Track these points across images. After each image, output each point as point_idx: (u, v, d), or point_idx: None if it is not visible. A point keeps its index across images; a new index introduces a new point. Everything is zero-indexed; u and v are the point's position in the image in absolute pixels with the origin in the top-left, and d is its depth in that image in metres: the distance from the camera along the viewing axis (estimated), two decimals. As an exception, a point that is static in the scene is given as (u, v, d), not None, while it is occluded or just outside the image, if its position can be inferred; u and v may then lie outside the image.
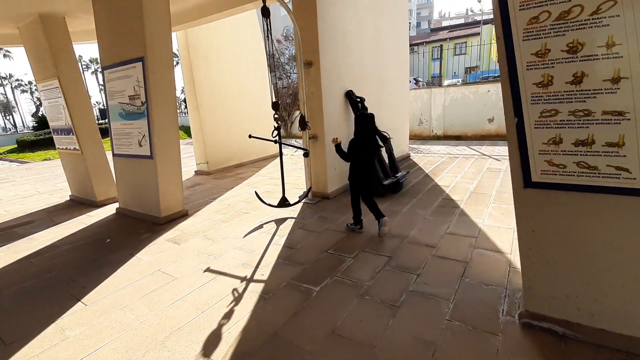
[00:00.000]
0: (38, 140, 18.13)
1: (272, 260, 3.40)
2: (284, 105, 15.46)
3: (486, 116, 11.34)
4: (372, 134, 3.75)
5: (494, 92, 11.12)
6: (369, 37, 6.34)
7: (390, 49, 7.22)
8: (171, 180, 4.71)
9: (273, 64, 4.58)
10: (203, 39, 7.68)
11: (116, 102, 4.74)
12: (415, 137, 12.09)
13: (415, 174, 6.60)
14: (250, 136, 4.78)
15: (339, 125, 5.48)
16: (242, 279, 3.06)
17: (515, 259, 3.07)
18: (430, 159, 7.98)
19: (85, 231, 4.70)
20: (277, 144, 4.53)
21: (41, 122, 23.40)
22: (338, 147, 3.86)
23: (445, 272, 2.95)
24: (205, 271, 3.25)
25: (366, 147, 3.76)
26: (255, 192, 4.84)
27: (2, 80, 56.01)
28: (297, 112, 15.45)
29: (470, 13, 71.78)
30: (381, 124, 6.58)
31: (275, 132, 4.49)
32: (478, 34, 34.09)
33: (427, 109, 12.23)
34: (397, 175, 5.59)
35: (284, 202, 4.71)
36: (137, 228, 4.63)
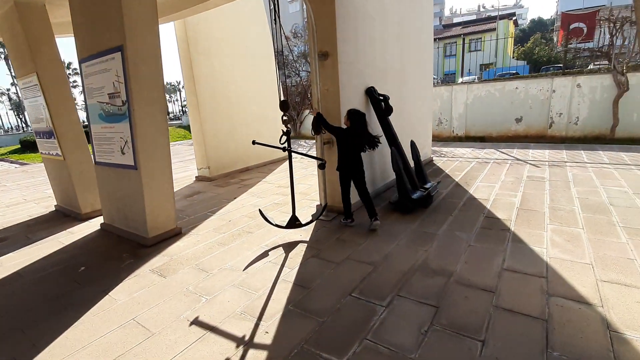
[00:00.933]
0: (41, 140, 17.66)
1: (279, 307, 2.61)
2: (292, 105, 14.69)
3: (513, 115, 10.40)
4: (363, 135, 3.81)
5: (523, 90, 10.18)
6: (393, 25, 5.49)
7: (414, 39, 6.36)
8: (160, 194, 3.95)
9: (283, 60, 3.78)
10: (203, 32, 6.92)
11: (95, 101, 4.00)
12: (434, 138, 11.16)
13: (444, 183, 5.74)
14: (254, 142, 3.99)
15: (359, 128, 4.67)
16: (239, 340, 2.27)
17: (613, 316, 2.22)
18: (458, 165, 7.10)
19: (60, 254, 3.98)
20: (287, 152, 3.74)
21: (47, 122, 23.08)
22: (319, 115, 3.84)
23: (519, 336, 2.12)
24: (191, 324, 2.47)
25: (359, 138, 3.80)
26: (260, 211, 4.05)
27: (15, 79, 56.81)
28: (307, 112, 14.65)
29: (482, 9, 70.05)
30: (402, 125, 5.73)
31: (284, 138, 3.71)
32: (494, 29, 32.78)
33: (447, 108, 11.32)
34: (426, 186, 4.75)
35: (294, 222, 3.92)
36: (119, 251, 3.88)
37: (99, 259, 3.73)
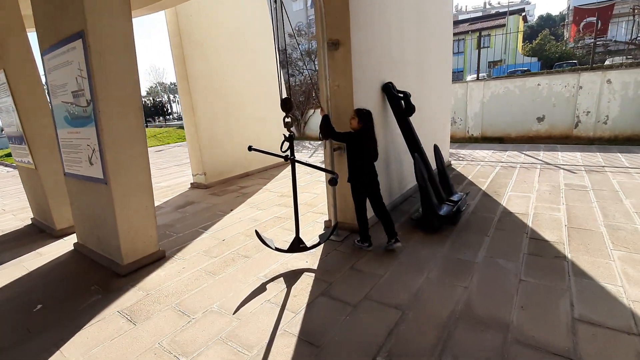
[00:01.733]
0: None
1: (279, 378, 1.92)
2: (296, 104, 14.01)
3: (535, 114, 9.62)
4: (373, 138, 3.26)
5: (545, 86, 9.40)
6: (410, 10, 4.78)
7: (433, 27, 5.64)
8: (137, 214, 3.28)
9: (286, 58, 3.09)
10: (198, 23, 6.26)
11: (59, 101, 3.34)
12: (449, 140, 10.44)
13: (470, 192, 5.02)
14: (250, 148, 3.32)
15: (378, 130, 3.98)
16: None
17: None
18: (480, 170, 6.37)
19: (20, 284, 3.33)
20: (289, 161, 3.05)
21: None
22: (326, 119, 3.30)
23: None
24: (157, 407, 1.80)
25: (371, 143, 3.25)
26: (257, 233, 3.35)
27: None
28: (312, 111, 13.96)
29: (488, 7, 68.78)
30: (420, 125, 5.00)
31: (287, 144, 3.02)
32: (503, 25, 31.84)
33: (461, 107, 10.56)
34: (453, 198, 4.04)
35: (297, 245, 3.23)
36: (88, 282, 3.22)
37: (62, 293, 3.07)
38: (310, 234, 3.95)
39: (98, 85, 2.82)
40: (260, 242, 3.31)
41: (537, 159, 6.93)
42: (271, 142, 7.95)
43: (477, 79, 10.68)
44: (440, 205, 3.81)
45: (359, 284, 2.82)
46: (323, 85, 3.51)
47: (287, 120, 2.91)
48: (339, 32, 3.41)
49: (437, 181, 4.03)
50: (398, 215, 4.33)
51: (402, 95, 3.96)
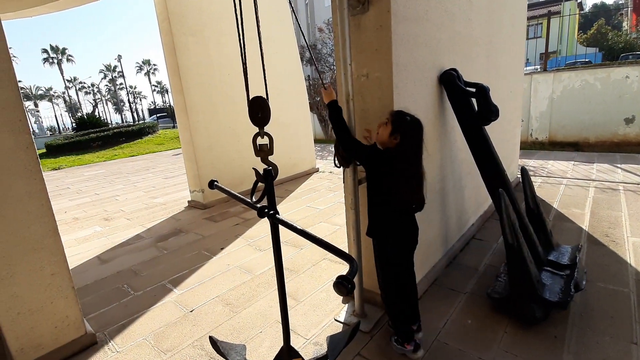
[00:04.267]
0: (65, 144, 17.04)
1: None
2: (324, 103, 12.60)
3: (622, 115, 7.54)
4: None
5: (636, 79, 7.31)
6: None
7: (505, -2, 3.98)
8: (32, 285, 2.02)
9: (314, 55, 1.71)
10: (194, 4, 5.01)
11: None
12: (505, 145, 8.55)
13: (564, 235, 3.35)
14: (211, 184, 1.94)
15: (430, 144, 2.47)
16: None
17: None
18: (567, 193, 4.60)
19: None
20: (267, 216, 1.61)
21: (81, 123, 22.84)
22: (334, 108, 1.93)
23: None
24: None
25: (415, 175, 1.78)
26: (212, 341, 1.85)
27: (68, 83, 60.86)
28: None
29: (536, -6, 63.43)
30: (489, 133, 3.42)
31: (259, 190, 1.58)
32: (558, 12, 28.43)
33: (523, 104, 8.61)
34: (557, 259, 2.44)
35: (290, 362, 1.79)
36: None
37: None
38: (320, 309, 2.53)
39: None
40: (219, 355, 1.89)
41: (646, 177, 5.04)
42: (289, 150, 6.62)
43: (545, 69, 8.68)
44: (541, 275, 2.23)
45: None
46: (341, 73, 2.05)
47: (260, 141, 1.50)
48: (370, -19, 1.95)
49: (530, 230, 2.44)
50: (458, 277, 2.79)
51: (475, 90, 2.40)
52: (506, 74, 4.12)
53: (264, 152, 1.49)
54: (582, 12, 38.36)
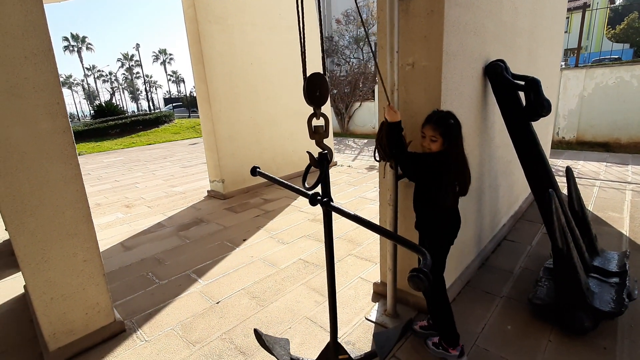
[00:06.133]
0: (84, 131, 17.32)
1: None
2: (340, 96, 12.44)
3: (659, 114, 7.17)
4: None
5: (676, 76, 6.92)
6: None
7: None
8: (64, 271, 2.00)
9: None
10: (219, -9, 4.93)
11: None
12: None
13: (603, 240, 3.18)
14: (254, 171, 1.88)
15: (471, 141, 2.35)
16: None
17: None
18: (602, 195, 4.40)
19: None
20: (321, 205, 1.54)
21: (100, 111, 23.17)
22: (394, 128, 1.78)
23: None
24: None
25: (463, 170, 1.79)
26: (256, 333, 1.79)
27: (87, 71, 62.04)
28: (358, 104, 12.30)
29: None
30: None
31: (312, 175, 1.50)
32: (587, 5, 27.28)
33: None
34: (603, 266, 2.30)
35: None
36: (-7, 377, 2.03)
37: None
38: (349, 307, 2.45)
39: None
40: (263, 348, 1.85)
41: (686, 181, 4.77)
42: (309, 142, 6.53)
43: (577, 65, 8.32)
44: (590, 283, 2.10)
45: None
46: (386, 62, 1.94)
47: (315, 123, 1.41)
48: (423, -39, 1.82)
49: (577, 234, 2.30)
50: (493, 280, 2.68)
51: (524, 83, 2.25)
52: (543, 68, 3.92)
53: (319, 134, 1.41)
54: (613, 5, 36.74)
